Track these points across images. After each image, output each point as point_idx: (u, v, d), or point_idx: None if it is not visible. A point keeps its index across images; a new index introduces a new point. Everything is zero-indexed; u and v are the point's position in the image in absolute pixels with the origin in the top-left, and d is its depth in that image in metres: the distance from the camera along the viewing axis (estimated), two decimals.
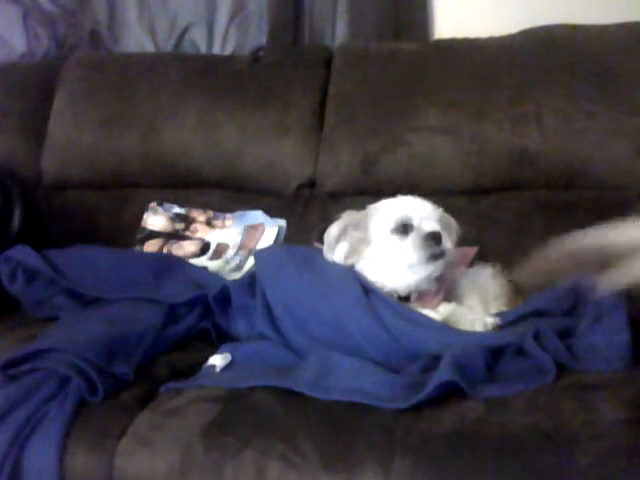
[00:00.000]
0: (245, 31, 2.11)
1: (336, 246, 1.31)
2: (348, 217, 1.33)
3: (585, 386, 1.04)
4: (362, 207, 1.74)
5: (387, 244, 1.28)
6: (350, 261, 1.31)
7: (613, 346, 1.11)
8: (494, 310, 1.37)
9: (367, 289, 1.25)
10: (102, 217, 1.92)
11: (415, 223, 1.27)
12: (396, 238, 1.27)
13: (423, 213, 1.28)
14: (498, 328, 1.25)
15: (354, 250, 1.31)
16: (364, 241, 1.30)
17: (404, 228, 1.27)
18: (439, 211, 1.31)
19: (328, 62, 1.90)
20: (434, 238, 1.25)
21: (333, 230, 1.31)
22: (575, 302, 1.27)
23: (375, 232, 1.30)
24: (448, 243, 1.27)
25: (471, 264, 1.51)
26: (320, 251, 1.38)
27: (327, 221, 1.70)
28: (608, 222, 1.08)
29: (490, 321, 1.25)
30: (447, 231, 1.29)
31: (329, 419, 1.02)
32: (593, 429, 0.93)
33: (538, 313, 1.25)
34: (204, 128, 1.86)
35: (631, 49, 1.67)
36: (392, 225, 1.28)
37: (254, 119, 1.84)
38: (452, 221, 1.35)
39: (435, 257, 1.26)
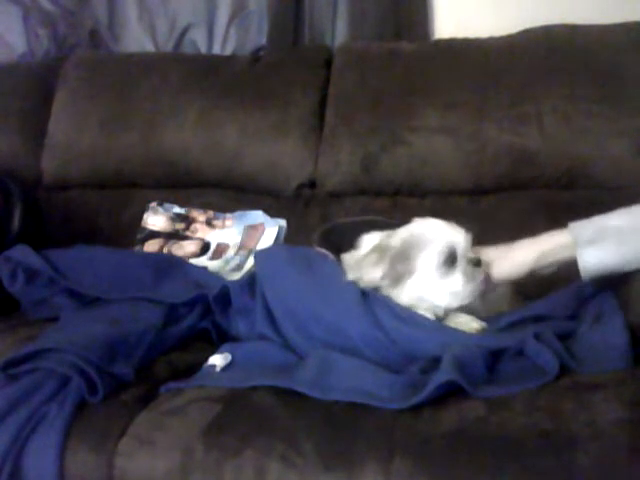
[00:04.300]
0: (245, 31, 2.11)
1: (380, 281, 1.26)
2: (386, 250, 1.26)
3: (585, 386, 1.04)
4: (362, 207, 1.76)
5: (435, 276, 1.25)
6: (386, 290, 1.26)
7: (612, 347, 1.11)
8: (495, 311, 1.37)
9: (366, 291, 1.25)
10: (102, 217, 1.92)
11: (460, 252, 1.25)
12: (444, 270, 1.24)
13: (462, 239, 1.26)
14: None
15: (394, 281, 1.25)
16: (407, 273, 1.25)
17: (452, 259, 1.24)
18: (468, 234, 1.28)
19: (328, 62, 1.90)
20: (478, 263, 1.25)
21: (372, 266, 1.25)
22: (577, 306, 1.27)
23: (421, 265, 1.25)
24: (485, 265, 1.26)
25: None
26: (321, 254, 1.38)
27: (327, 221, 1.71)
28: None
29: (475, 326, 1.25)
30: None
31: (329, 419, 1.02)
32: (593, 429, 0.93)
33: (539, 317, 1.25)
34: (204, 128, 1.86)
35: (631, 49, 1.67)
36: (441, 257, 1.24)
37: (254, 119, 1.84)
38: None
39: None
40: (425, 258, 1.25)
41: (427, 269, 1.25)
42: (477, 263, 1.25)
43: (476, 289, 1.26)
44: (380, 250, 1.27)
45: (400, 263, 1.25)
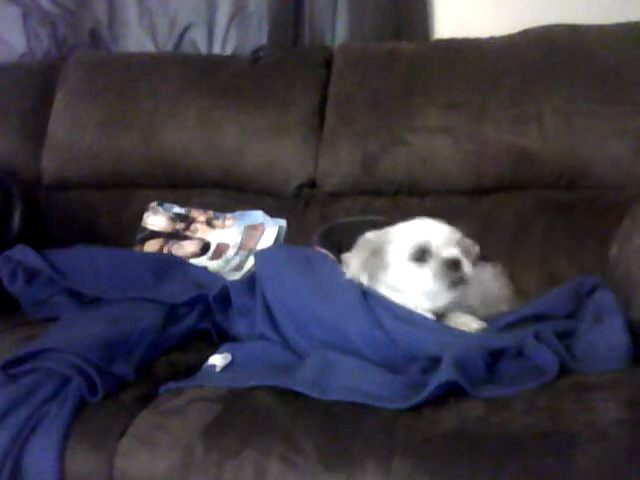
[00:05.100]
0: (245, 31, 2.11)
1: (359, 274, 1.26)
2: (366, 244, 1.28)
3: (585, 386, 1.04)
4: (362, 207, 1.76)
5: (405, 271, 1.24)
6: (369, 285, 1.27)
7: (613, 347, 1.11)
8: (494, 311, 1.37)
9: (366, 292, 1.25)
10: (102, 217, 1.92)
11: (434, 249, 1.22)
12: (414, 265, 1.23)
13: (442, 238, 1.23)
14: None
15: (371, 276, 1.26)
16: (381, 267, 1.25)
17: (422, 254, 1.22)
18: (458, 234, 1.25)
19: (328, 62, 1.90)
20: (453, 265, 1.21)
21: (355, 261, 1.26)
22: (577, 303, 1.27)
23: (392, 258, 1.25)
24: (468, 268, 1.22)
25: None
26: (321, 254, 1.38)
27: (327, 221, 1.71)
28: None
29: (475, 326, 1.25)
30: (466, 254, 1.24)
31: (329, 419, 1.02)
32: (593, 429, 0.93)
33: (539, 316, 1.25)
34: (204, 128, 1.86)
35: (631, 49, 1.67)
36: (410, 251, 1.23)
37: (254, 119, 1.84)
38: (469, 242, 1.30)
39: (455, 284, 1.22)
40: (394, 252, 1.25)
41: (397, 263, 1.24)
42: (452, 265, 1.21)
43: (449, 290, 1.23)
44: (363, 245, 1.28)
45: (375, 257, 1.25)
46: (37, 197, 1.93)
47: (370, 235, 1.29)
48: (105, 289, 1.49)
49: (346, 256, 1.31)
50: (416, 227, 1.27)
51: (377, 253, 1.25)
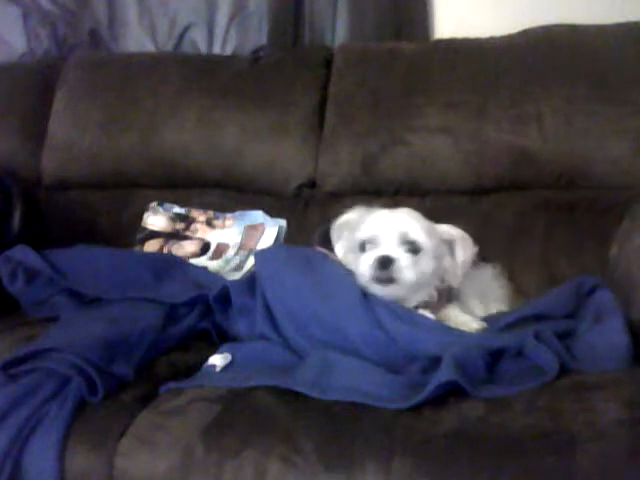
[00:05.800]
0: (245, 31, 2.11)
1: (336, 241, 1.34)
2: (349, 215, 1.36)
3: (585, 386, 1.04)
4: (363, 207, 1.76)
5: (350, 256, 1.31)
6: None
7: (613, 347, 1.11)
8: (494, 311, 1.37)
9: (366, 291, 1.25)
10: (102, 217, 1.92)
11: (380, 243, 1.27)
12: (359, 254, 1.29)
13: (394, 234, 1.26)
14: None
15: (347, 251, 1.34)
16: (350, 246, 1.33)
17: (367, 246, 1.28)
18: (421, 232, 1.27)
19: (328, 62, 1.90)
20: (382, 263, 1.25)
21: (335, 224, 1.36)
22: (576, 303, 1.27)
23: (351, 241, 1.32)
24: (405, 271, 1.24)
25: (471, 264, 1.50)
26: (321, 254, 1.38)
27: (327, 221, 1.71)
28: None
29: (475, 326, 1.25)
30: (432, 257, 1.27)
31: (329, 419, 1.02)
32: (593, 429, 0.93)
33: (539, 316, 1.25)
34: (204, 128, 1.86)
35: (631, 49, 1.67)
36: (357, 241, 1.30)
37: (254, 119, 1.84)
38: (458, 239, 1.31)
39: (382, 281, 1.25)
40: (353, 235, 1.31)
41: (350, 247, 1.32)
42: (382, 263, 1.25)
43: (378, 286, 1.26)
44: (344, 219, 1.38)
45: (350, 234, 1.34)
46: (37, 197, 1.93)
47: (354, 212, 1.37)
48: (105, 289, 1.49)
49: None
50: (378, 218, 1.31)
51: (353, 229, 1.32)
